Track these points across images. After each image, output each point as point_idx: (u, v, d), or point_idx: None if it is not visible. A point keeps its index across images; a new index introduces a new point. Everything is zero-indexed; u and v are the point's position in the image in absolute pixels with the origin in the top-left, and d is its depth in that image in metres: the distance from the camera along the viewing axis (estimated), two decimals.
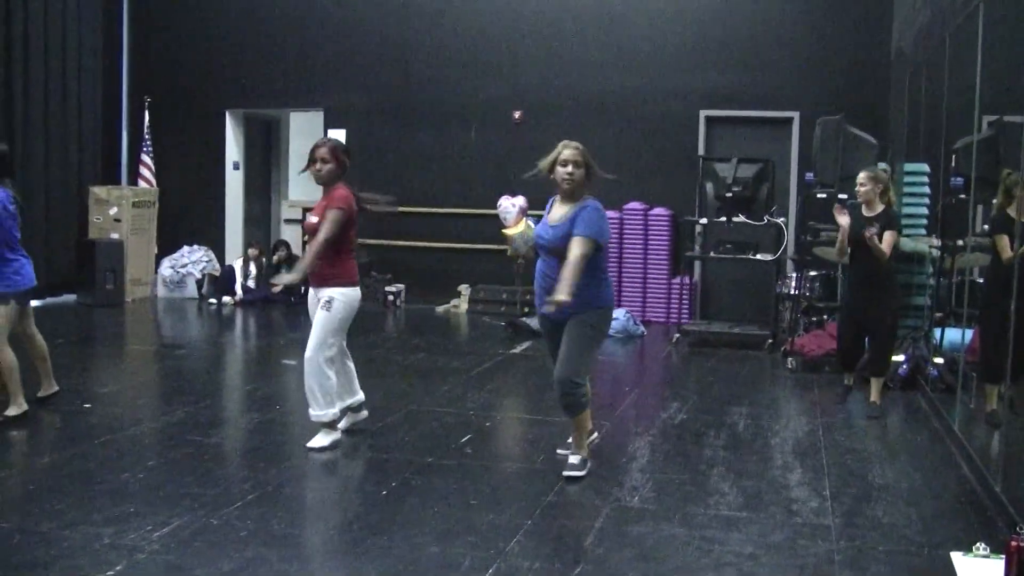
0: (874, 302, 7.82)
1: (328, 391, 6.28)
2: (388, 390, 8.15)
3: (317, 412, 6.30)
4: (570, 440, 6.10)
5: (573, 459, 5.92)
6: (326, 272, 6.25)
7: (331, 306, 6.22)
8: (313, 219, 6.25)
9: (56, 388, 7.33)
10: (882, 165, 9.41)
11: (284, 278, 6.33)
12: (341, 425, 6.54)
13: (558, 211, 5.78)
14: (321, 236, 6.14)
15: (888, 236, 7.64)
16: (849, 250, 7.85)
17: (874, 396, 7.92)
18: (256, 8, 13.93)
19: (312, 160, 6.28)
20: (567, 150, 5.72)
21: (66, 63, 13.04)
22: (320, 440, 6.32)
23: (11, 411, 6.73)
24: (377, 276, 13.28)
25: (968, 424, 7.00)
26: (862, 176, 7.85)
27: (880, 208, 7.77)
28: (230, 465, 6.23)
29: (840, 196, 9.25)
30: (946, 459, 6.58)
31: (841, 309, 8.61)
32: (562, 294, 5.38)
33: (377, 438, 6.66)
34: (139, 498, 5.29)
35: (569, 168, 5.67)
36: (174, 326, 12.30)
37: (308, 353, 6.24)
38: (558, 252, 5.65)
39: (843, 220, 7.77)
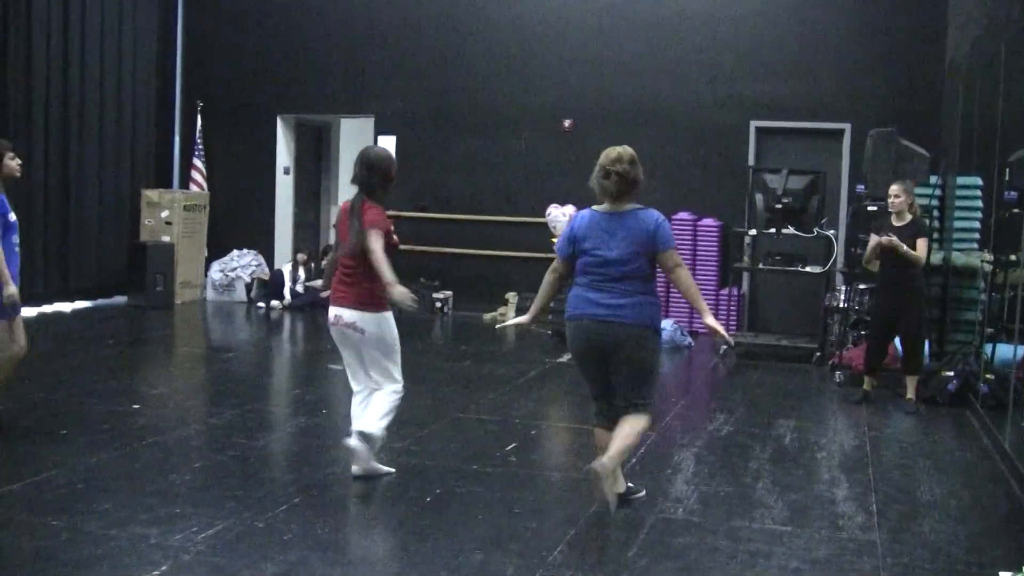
0: (904, 305, 8.30)
1: None
2: (434, 397, 8.17)
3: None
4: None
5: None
6: None
7: None
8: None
9: None
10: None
11: None
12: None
13: None
14: None
15: (921, 243, 8.22)
16: (879, 262, 8.40)
17: (910, 393, 8.42)
18: (308, 15, 14.03)
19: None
20: None
21: (121, 68, 13.23)
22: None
23: None
24: (425, 283, 13.29)
25: (1019, 441, 6.89)
26: (896, 188, 8.36)
27: (909, 218, 8.31)
28: (275, 468, 6.28)
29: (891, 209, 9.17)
30: (996, 477, 6.49)
31: (872, 315, 8.86)
32: None
33: (422, 445, 6.68)
34: (185, 499, 5.34)
35: None
36: (223, 329, 12.42)
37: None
38: None
39: (875, 235, 8.41)
